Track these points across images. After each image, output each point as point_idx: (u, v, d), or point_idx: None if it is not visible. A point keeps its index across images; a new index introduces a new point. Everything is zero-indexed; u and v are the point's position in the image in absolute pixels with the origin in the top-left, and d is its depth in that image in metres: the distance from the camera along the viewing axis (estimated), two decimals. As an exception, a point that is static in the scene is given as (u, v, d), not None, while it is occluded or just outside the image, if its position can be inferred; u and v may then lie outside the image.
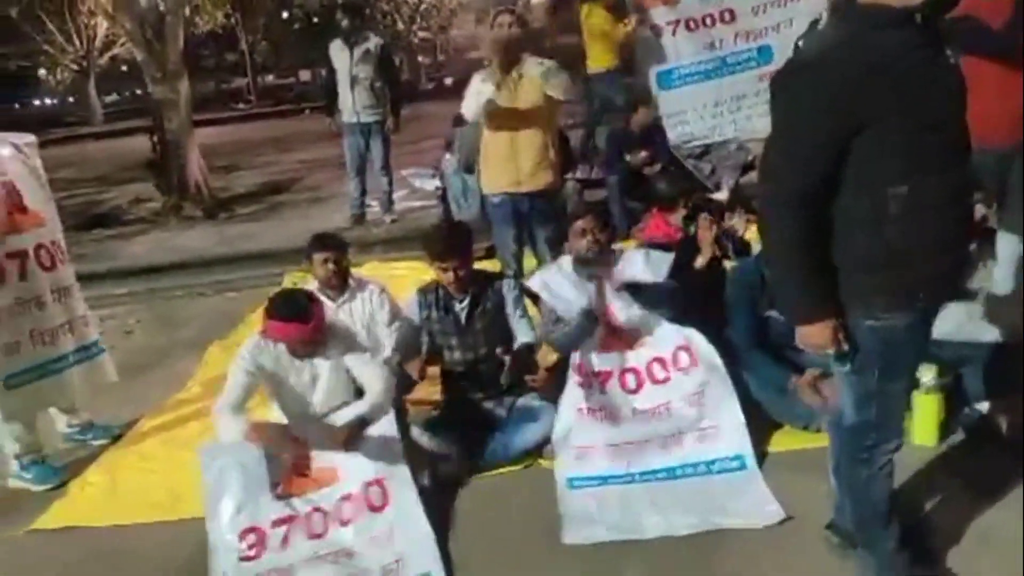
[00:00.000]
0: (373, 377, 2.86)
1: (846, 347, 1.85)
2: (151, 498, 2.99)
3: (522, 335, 3.10)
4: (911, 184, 1.72)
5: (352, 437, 2.69)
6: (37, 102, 43.93)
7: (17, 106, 40.26)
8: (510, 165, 3.75)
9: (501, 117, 3.68)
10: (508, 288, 3.17)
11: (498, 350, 3.07)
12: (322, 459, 2.76)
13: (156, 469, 3.21)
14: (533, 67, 3.61)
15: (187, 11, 8.60)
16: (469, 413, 3.06)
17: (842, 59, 1.71)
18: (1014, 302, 2.91)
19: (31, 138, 3.43)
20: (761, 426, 2.88)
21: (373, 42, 6.44)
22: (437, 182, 6.61)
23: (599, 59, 6.94)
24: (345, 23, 6.44)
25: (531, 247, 4.05)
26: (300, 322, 2.75)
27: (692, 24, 6.71)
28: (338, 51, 6.36)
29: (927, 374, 2.71)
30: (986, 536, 2.28)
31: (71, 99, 33.80)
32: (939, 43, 1.74)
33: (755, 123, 6.23)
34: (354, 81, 6.30)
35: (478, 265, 3.33)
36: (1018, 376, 2.74)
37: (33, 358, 3.18)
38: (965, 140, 1.79)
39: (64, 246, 3.41)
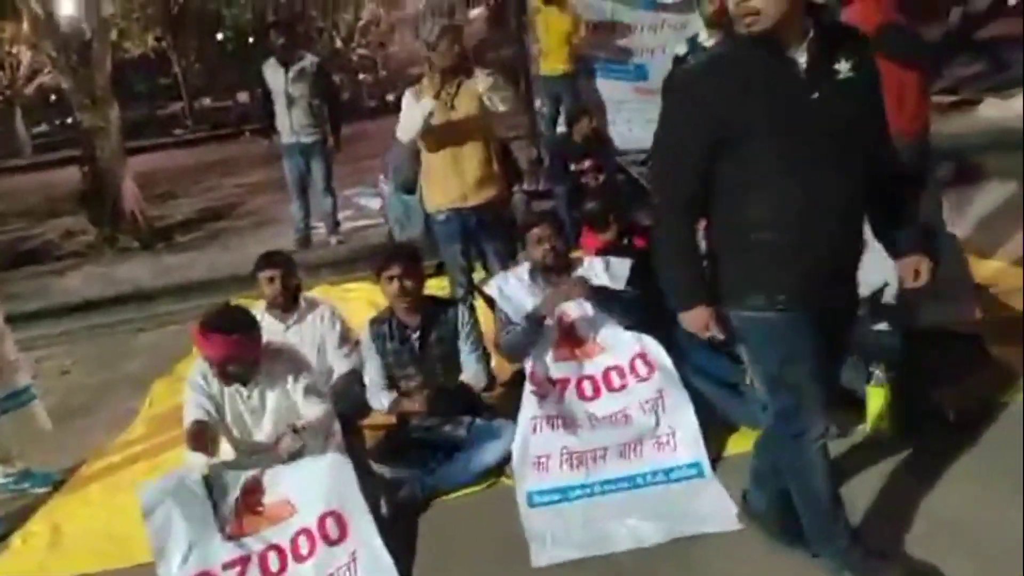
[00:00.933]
0: (308, 405, 2.76)
1: (721, 335, 2.04)
2: (97, 546, 2.87)
3: (467, 372, 3.06)
4: (777, 192, 1.85)
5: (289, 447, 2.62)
6: (-40, 136, 42.08)
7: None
8: (454, 180, 3.68)
9: (440, 132, 3.60)
10: (462, 317, 3.11)
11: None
12: (274, 493, 2.66)
13: (101, 516, 3.07)
14: (479, 81, 3.54)
15: (114, 35, 8.32)
16: (427, 435, 2.99)
17: (710, 76, 1.89)
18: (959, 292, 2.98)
19: None
20: (716, 429, 2.90)
21: (308, 60, 6.33)
22: (381, 201, 6.53)
23: (556, 62, 6.94)
24: (280, 42, 6.32)
25: (481, 262, 4.01)
26: (224, 334, 2.63)
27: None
28: (272, 71, 6.23)
29: (877, 368, 2.77)
30: (941, 520, 2.33)
31: (-3, 131, 32.49)
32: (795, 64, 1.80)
33: (635, 133, 6.70)
34: (290, 101, 6.18)
35: (429, 285, 3.28)
36: (966, 361, 2.84)
37: None
38: (852, 151, 1.86)
39: None
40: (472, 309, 3.25)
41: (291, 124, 6.23)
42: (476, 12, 20.50)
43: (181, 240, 8.30)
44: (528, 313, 3.05)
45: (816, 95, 1.80)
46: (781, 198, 1.85)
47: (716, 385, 3.04)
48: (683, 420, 2.84)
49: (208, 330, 2.66)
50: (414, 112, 3.56)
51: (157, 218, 9.07)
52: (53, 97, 27.62)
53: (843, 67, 1.82)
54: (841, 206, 1.88)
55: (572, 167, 5.78)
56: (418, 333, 3.06)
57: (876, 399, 2.80)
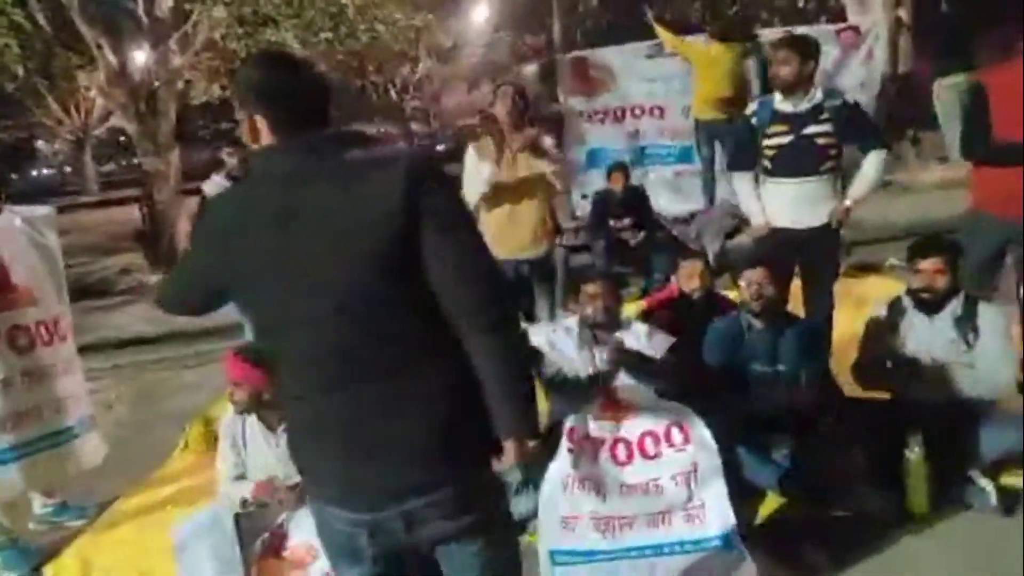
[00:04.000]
0: None
1: None
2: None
3: None
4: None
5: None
6: (35, 172, 44.47)
7: (15, 176, 40.77)
8: (509, 235, 3.77)
9: (499, 192, 3.72)
10: None
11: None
12: (297, 537, 2.68)
13: (130, 552, 3.09)
14: (543, 164, 3.69)
15: (180, 85, 8.77)
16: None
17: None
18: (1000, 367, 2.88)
19: (46, 211, 3.42)
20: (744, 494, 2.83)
21: None
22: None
23: (706, 106, 6.49)
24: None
25: (525, 311, 4.03)
26: (250, 364, 2.71)
27: (618, 114, 7.06)
28: None
29: (914, 442, 2.68)
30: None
31: (68, 169, 34.22)
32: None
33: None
34: None
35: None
36: (1012, 442, 2.72)
37: None
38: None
39: (60, 325, 3.32)
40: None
41: None
42: (529, 68, 21.01)
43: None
44: (590, 376, 3.05)
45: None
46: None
47: (747, 449, 2.99)
48: (715, 492, 2.77)
49: (243, 357, 2.75)
50: (476, 179, 3.69)
51: (209, 259, 9.34)
52: (122, 138, 28.99)
53: None
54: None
55: (612, 222, 5.85)
56: None
57: (915, 474, 2.70)
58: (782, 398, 3.01)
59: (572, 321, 3.26)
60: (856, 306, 4.06)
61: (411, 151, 1.77)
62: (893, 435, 2.77)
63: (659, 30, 6.92)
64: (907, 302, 3.02)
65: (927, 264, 2.91)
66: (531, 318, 4.01)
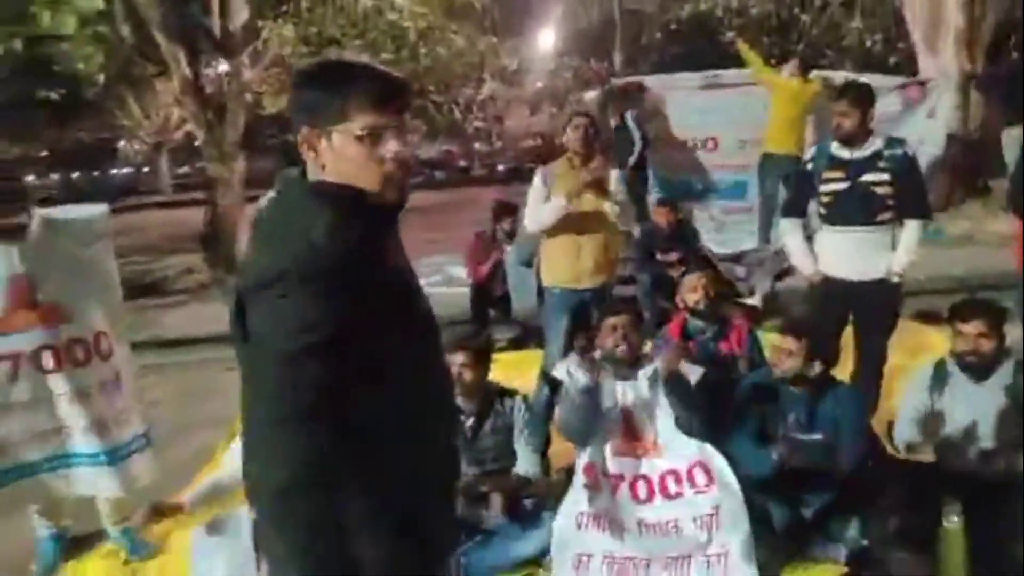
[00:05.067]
0: None
1: None
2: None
3: (522, 464, 3.04)
4: None
5: None
6: (114, 171, 46.66)
7: (96, 174, 42.86)
8: (571, 264, 3.77)
9: (563, 222, 3.71)
10: (519, 409, 3.11)
11: (483, 487, 2.98)
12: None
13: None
14: (609, 208, 3.69)
15: (248, 97, 9.11)
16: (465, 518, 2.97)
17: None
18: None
19: (96, 212, 3.14)
20: (770, 550, 2.73)
21: None
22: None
23: (782, 139, 6.25)
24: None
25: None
26: None
27: (671, 144, 6.90)
28: None
29: (952, 511, 2.55)
30: None
31: (145, 170, 35.79)
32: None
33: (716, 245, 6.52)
34: None
35: (502, 360, 3.30)
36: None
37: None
38: None
39: (101, 342, 3.01)
40: (553, 390, 3.26)
41: None
42: (590, 95, 21.07)
43: (282, 289, 8.75)
44: (582, 387, 2.99)
45: None
46: None
47: (778, 504, 2.89)
48: (738, 540, 2.69)
49: None
50: (546, 209, 3.71)
51: (266, 266, 9.61)
52: (196, 143, 30.22)
53: None
54: None
55: (658, 257, 5.79)
56: (472, 420, 3.06)
57: (952, 544, 2.57)
58: (816, 464, 2.90)
59: (593, 354, 3.22)
60: (910, 356, 3.94)
61: None
62: (932, 500, 2.64)
63: (747, 54, 6.70)
64: (952, 365, 2.89)
65: (969, 327, 2.78)
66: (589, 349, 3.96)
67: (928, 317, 5.28)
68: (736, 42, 6.93)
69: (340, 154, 1.31)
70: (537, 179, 3.81)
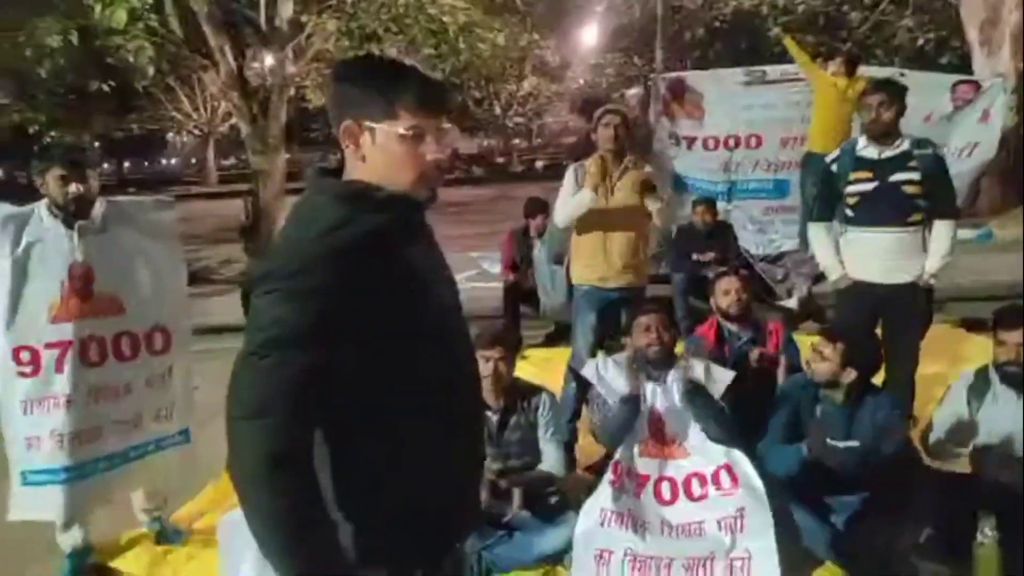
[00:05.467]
0: None
1: None
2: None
3: (547, 461, 3.03)
4: None
5: None
6: (164, 161, 47.95)
7: (146, 164, 44.12)
8: (600, 262, 3.74)
9: (593, 218, 3.70)
10: (544, 406, 3.11)
11: (502, 483, 2.97)
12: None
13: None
14: (650, 202, 3.65)
15: (292, 91, 9.26)
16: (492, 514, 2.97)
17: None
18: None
19: (167, 200, 3.14)
20: (798, 558, 2.68)
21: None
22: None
23: (825, 139, 5.88)
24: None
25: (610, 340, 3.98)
26: None
27: (711, 143, 6.74)
28: None
29: (987, 524, 2.48)
30: None
31: (193, 161, 36.71)
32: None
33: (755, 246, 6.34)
34: None
35: (533, 356, 3.29)
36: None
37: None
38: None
39: (155, 338, 2.94)
40: (579, 387, 3.22)
41: None
42: (632, 92, 20.90)
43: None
44: (624, 396, 2.99)
45: None
46: None
47: (808, 513, 2.85)
48: (762, 546, 2.63)
49: None
50: (573, 202, 3.69)
51: (303, 257, 9.78)
52: (242, 135, 30.84)
53: None
54: None
55: (694, 256, 5.72)
56: (498, 416, 3.07)
57: (985, 561, 2.50)
58: (854, 472, 2.85)
59: (622, 355, 3.21)
60: (951, 364, 3.83)
61: None
62: (966, 512, 2.57)
63: (793, 48, 6.52)
64: (993, 375, 2.80)
65: (1011, 336, 2.69)
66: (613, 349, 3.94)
67: (974, 324, 5.15)
68: (782, 37, 6.76)
69: (382, 150, 1.36)
70: (569, 174, 3.79)
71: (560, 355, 4.58)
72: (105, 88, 9.89)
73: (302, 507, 1.26)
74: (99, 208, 2.81)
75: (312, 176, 1.44)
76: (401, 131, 1.34)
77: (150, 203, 3.09)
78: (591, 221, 3.72)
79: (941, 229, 3.31)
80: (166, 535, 3.23)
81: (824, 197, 3.51)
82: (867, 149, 3.35)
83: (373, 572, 1.37)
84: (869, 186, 3.29)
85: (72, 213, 2.73)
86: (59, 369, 2.73)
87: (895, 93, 3.28)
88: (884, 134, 3.28)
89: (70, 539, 2.96)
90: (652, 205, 3.65)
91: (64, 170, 2.70)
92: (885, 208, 3.28)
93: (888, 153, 3.29)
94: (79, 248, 2.73)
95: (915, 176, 3.24)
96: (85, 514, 2.97)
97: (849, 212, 3.39)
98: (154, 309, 2.93)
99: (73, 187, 2.70)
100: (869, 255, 3.37)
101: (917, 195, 3.26)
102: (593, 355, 3.85)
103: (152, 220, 2.99)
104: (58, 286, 2.71)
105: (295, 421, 1.24)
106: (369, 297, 1.28)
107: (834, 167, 3.43)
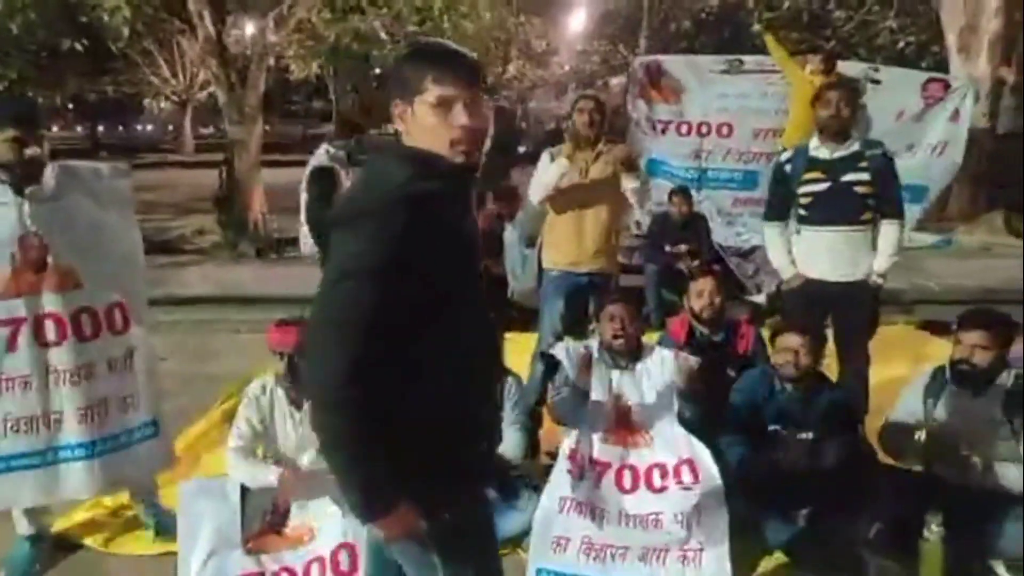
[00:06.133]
0: None
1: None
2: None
3: (507, 445, 3.05)
4: None
5: (305, 487, 2.71)
6: (140, 127, 46.95)
7: (121, 128, 43.16)
8: (573, 244, 3.76)
9: (568, 194, 3.70)
10: (509, 391, 3.13)
11: None
12: (299, 516, 2.75)
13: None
14: (629, 180, 3.66)
15: (272, 60, 9.11)
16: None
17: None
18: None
19: (122, 167, 2.90)
20: (750, 547, 2.76)
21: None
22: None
23: (800, 137, 5.56)
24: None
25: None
26: (292, 325, 2.82)
27: (683, 128, 6.76)
28: None
29: (934, 520, 2.55)
30: None
31: (170, 128, 36.00)
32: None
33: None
34: None
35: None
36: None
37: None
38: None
39: (115, 315, 2.70)
40: (545, 373, 3.26)
41: None
42: (616, 81, 20.87)
43: (292, 254, 8.80)
44: (574, 383, 3.03)
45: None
46: None
47: (761, 504, 2.90)
48: (715, 538, 2.72)
49: (283, 324, 2.88)
50: (548, 171, 3.70)
51: (279, 230, 9.67)
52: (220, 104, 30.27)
53: None
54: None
55: (668, 248, 5.76)
56: None
57: (930, 558, 2.57)
58: (807, 463, 2.91)
59: (592, 341, 3.23)
60: (914, 364, 3.92)
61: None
62: (916, 507, 2.64)
63: (771, 43, 6.53)
64: (948, 374, 2.87)
65: (969, 337, 2.76)
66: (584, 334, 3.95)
67: (937, 327, 5.25)
68: (763, 32, 6.75)
69: (419, 122, 1.52)
70: (544, 156, 3.80)
71: (519, 340, 4.59)
72: (78, 47, 9.61)
73: (366, 422, 1.45)
74: (50, 173, 2.57)
75: (393, 141, 1.62)
76: (431, 101, 1.49)
77: (106, 169, 2.81)
78: (566, 200, 3.72)
79: (888, 229, 3.39)
80: (165, 526, 2.94)
81: (779, 196, 3.57)
82: (820, 150, 3.42)
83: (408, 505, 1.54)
84: (822, 186, 3.36)
85: (21, 178, 2.48)
86: (12, 349, 2.51)
87: (853, 92, 3.39)
88: (838, 132, 3.33)
89: (27, 524, 2.82)
90: (629, 183, 3.66)
91: (17, 131, 2.45)
92: (837, 207, 3.35)
93: (840, 153, 3.36)
94: (30, 216, 2.49)
95: (865, 176, 3.32)
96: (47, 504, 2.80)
97: (802, 211, 3.46)
98: (112, 284, 2.69)
99: (31, 149, 2.47)
100: (821, 253, 3.44)
101: (868, 195, 3.33)
102: (560, 340, 3.88)
103: (108, 187, 2.75)
104: (7, 258, 2.49)
105: (368, 338, 1.43)
106: (431, 247, 1.45)
107: (787, 167, 3.50)
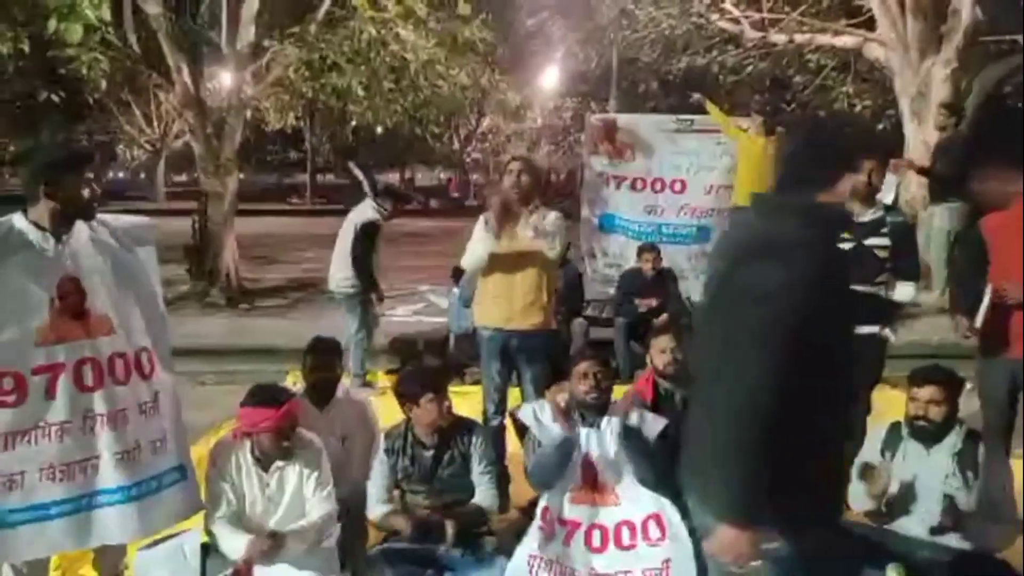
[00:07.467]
0: (315, 504, 2.85)
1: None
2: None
3: (480, 495, 3.06)
4: None
5: (266, 553, 2.68)
6: (112, 174, 46.61)
7: (90, 176, 42.73)
8: (502, 303, 3.78)
9: (495, 261, 3.76)
10: (477, 441, 3.15)
11: (434, 517, 3.01)
12: (260, 576, 2.72)
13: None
14: (539, 243, 3.65)
15: (248, 114, 9.21)
16: (417, 553, 2.98)
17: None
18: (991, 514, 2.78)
19: (143, 222, 2.92)
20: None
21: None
22: (448, 300, 6.75)
23: (748, 190, 5.99)
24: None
25: (518, 383, 4.05)
26: (268, 407, 2.75)
27: (639, 184, 6.97)
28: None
29: (894, 572, 2.60)
30: None
31: (141, 175, 35.81)
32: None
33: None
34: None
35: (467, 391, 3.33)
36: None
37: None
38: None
39: (142, 361, 2.69)
40: (497, 431, 3.31)
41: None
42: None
43: (263, 305, 8.77)
44: (560, 439, 3.03)
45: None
46: None
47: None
48: None
49: (258, 404, 2.78)
50: (478, 247, 3.75)
51: (249, 280, 9.63)
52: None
53: None
54: None
55: (636, 302, 5.87)
56: (432, 452, 3.09)
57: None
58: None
59: (561, 397, 3.27)
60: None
61: None
62: (876, 562, 2.69)
63: (713, 111, 6.87)
64: (905, 429, 2.96)
65: (922, 393, 2.86)
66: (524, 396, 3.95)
67: (889, 381, 5.37)
68: (703, 101, 7.12)
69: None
70: (480, 221, 3.81)
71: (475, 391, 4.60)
72: (55, 99, 9.62)
73: (761, 439, 1.60)
74: (78, 223, 2.60)
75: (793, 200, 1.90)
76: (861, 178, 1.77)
77: (133, 219, 2.89)
78: (496, 263, 3.77)
79: (904, 289, 3.52)
80: None
81: None
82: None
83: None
84: (847, 246, 3.43)
85: (60, 225, 2.53)
86: (50, 396, 2.49)
87: (886, 163, 3.57)
88: (867, 197, 3.41)
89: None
90: (543, 246, 3.65)
91: (79, 176, 2.54)
92: (857, 268, 3.41)
93: (866, 217, 3.44)
94: (68, 263, 2.53)
95: (886, 241, 3.42)
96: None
97: None
98: (140, 330, 2.71)
99: (87, 192, 2.55)
100: None
101: (886, 259, 3.44)
102: (499, 402, 3.90)
103: (136, 236, 2.79)
104: (47, 304, 2.49)
105: (779, 360, 1.61)
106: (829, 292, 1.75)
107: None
